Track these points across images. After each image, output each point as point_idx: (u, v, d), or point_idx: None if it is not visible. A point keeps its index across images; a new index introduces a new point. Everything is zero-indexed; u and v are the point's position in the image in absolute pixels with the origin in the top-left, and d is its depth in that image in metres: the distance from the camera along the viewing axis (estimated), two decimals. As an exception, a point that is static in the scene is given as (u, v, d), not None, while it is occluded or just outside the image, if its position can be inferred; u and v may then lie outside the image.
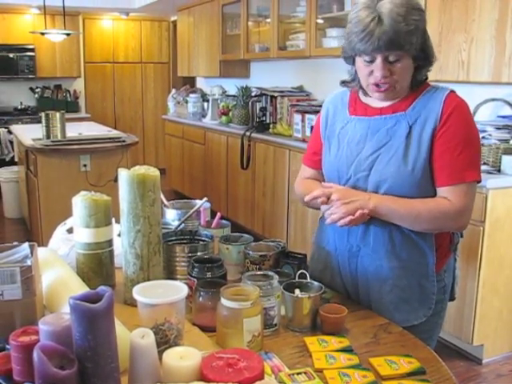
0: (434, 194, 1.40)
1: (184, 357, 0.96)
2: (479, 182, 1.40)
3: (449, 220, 1.37)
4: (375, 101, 1.45)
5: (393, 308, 1.43)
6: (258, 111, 4.83)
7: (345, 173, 1.47)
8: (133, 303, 1.21)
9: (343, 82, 1.53)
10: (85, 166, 4.02)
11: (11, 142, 6.35)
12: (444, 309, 1.52)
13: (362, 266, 1.48)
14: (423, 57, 1.37)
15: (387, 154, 1.40)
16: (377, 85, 1.38)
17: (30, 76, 6.97)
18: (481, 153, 1.43)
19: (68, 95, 7.45)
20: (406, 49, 1.30)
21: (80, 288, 1.23)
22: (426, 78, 1.44)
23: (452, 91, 1.41)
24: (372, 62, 1.34)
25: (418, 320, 1.41)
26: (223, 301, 1.15)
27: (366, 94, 1.47)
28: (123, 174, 1.33)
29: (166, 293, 1.13)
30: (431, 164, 1.38)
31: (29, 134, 4.49)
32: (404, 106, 1.41)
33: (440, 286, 1.47)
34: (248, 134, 4.65)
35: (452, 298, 1.57)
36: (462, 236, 1.55)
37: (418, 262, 1.43)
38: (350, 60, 1.43)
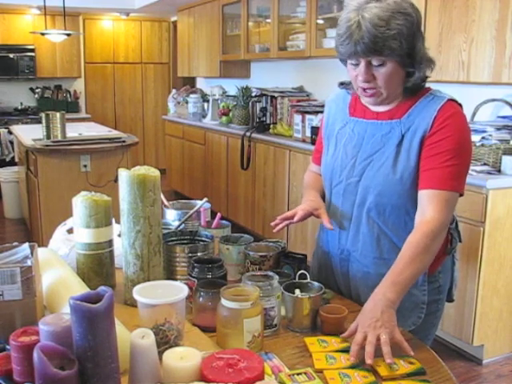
0: None
1: (184, 357, 0.96)
2: (462, 195, 1.36)
3: (437, 239, 1.32)
4: (376, 105, 1.44)
5: None
6: (258, 111, 4.83)
7: (337, 175, 1.47)
8: (133, 303, 1.21)
9: (342, 84, 1.52)
10: (85, 166, 4.02)
11: (11, 143, 6.35)
12: (440, 309, 1.51)
13: (352, 270, 1.49)
14: (410, 63, 1.32)
15: (378, 161, 1.39)
16: (364, 89, 1.36)
17: (31, 76, 6.97)
18: (469, 168, 1.39)
19: (68, 95, 7.45)
20: (386, 54, 1.27)
21: (80, 288, 1.23)
22: (423, 85, 1.40)
23: (450, 100, 1.37)
24: (358, 65, 1.33)
25: (406, 328, 1.37)
26: (223, 301, 1.15)
27: None
28: (123, 175, 1.33)
29: (166, 293, 1.13)
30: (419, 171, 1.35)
31: (29, 134, 4.50)
32: (400, 112, 1.39)
33: (434, 287, 1.47)
34: (248, 134, 4.65)
35: (450, 300, 1.56)
36: (460, 241, 1.52)
37: None
38: (344, 62, 1.41)
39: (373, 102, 1.40)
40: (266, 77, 5.52)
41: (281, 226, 1.47)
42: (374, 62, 1.30)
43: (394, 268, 1.27)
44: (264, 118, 4.79)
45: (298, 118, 4.19)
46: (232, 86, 5.54)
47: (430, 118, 1.34)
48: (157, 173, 1.37)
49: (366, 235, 1.43)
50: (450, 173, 1.31)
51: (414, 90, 1.38)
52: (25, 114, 6.95)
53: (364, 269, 1.45)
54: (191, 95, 6.15)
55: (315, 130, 3.84)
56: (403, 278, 1.25)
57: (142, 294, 1.12)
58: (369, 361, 1.08)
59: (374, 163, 1.39)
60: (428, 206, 1.31)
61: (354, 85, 1.40)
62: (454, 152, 1.31)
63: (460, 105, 1.39)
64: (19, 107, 7.11)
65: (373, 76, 1.32)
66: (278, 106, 4.73)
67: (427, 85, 1.42)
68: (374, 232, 1.42)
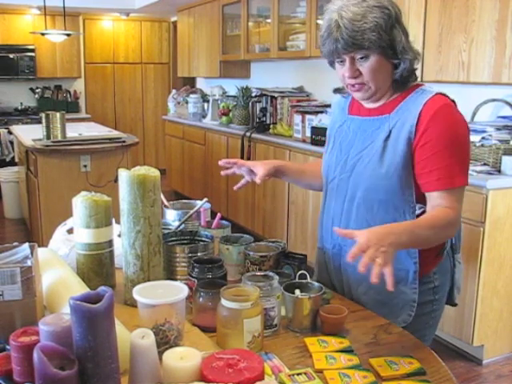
0: (413, 201, 1.37)
1: (184, 357, 0.96)
2: (467, 185, 1.37)
3: (452, 228, 1.34)
4: (368, 102, 1.45)
5: (369, 309, 1.41)
6: (258, 112, 4.83)
7: (332, 171, 1.50)
8: (133, 304, 1.21)
9: (336, 90, 1.55)
10: (85, 166, 4.02)
11: (11, 143, 6.35)
12: (435, 310, 1.49)
13: (344, 264, 1.50)
14: (393, 54, 1.33)
15: (367, 157, 1.40)
16: (352, 85, 1.38)
17: (31, 76, 6.97)
18: (469, 153, 1.38)
19: (68, 96, 7.45)
20: (367, 46, 1.29)
21: (80, 288, 1.23)
22: (413, 80, 1.40)
23: (438, 93, 1.36)
24: (344, 62, 1.36)
25: (396, 325, 1.36)
26: (223, 301, 1.15)
27: None
28: (123, 175, 1.33)
29: (166, 293, 1.13)
30: (412, 170, 1.35)
31: (29, 134, 4.49)
32: (390, 108, 1.40)
33: (429, 287, 1.45)
34: (248, 134, 4.65)
35: (453, 304, 1.56)
36: (453, 242, 1.51)
37: (396, 267, 1.41)
38: (332, 65, 1.43)
39: (361, 96, 1.41)
40: (265, 77, 5.51)
41: (229, 171, 1.58)
42: (358, 57, 1.33)
43: (418, 223, 1.30)
44: (264, 118, 4.79)
45: (297, 118, 4.19)
46: (232, 86, 5.54)
47: (417, 112, 1.34)
48: (157, 173, 1.37)
49: (354, 230, 1.43)
50: (455, 169, 1.32)
51: (403, 83, 1.38)
52: (25, 114, 6.95)
53: (354, 263, 1.45)
54: (191, 95, 6.14)
55: (315, 130, 3.84)
56: (418, 236, 1.27)
57: (142, 294, 1.12)
58: (361, 269, 1.15)
59: (364, 159, 1.41)
60: (442, 202, 1.33)
61: (343, 84, 1.43)
62: (452, 147, 1.31)
63: (453, 101, 1.38)
64: (19, 107, 7.10)
65: (358, 71, 1.35)
66: (278, 106, 4.73)
67: (427, 85, 1.43)
68: (363, 228, 1.41)
